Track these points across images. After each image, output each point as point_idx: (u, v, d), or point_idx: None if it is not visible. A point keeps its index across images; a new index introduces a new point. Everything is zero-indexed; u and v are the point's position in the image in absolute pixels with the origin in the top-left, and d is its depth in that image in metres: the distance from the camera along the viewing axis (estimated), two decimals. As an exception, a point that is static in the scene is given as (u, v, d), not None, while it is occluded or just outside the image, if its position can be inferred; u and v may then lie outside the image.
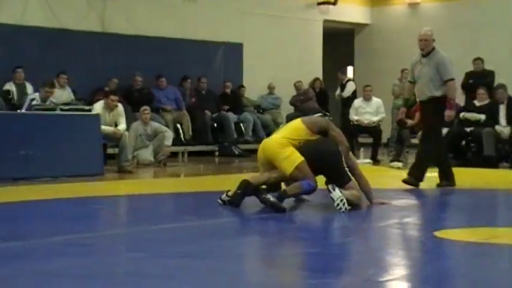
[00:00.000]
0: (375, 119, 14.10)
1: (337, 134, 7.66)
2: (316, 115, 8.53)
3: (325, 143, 7.55)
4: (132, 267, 4.84)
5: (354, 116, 14.27)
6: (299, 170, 7.27)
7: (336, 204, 7.14)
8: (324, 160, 7.41)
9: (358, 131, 14.31)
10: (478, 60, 14.24)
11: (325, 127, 7.63)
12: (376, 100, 14.43)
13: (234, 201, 7.43)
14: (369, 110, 14.21)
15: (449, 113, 9.26)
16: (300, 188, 7.31)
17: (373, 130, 14.12)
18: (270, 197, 7.19)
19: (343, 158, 7.43)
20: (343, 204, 7.16)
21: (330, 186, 7.23)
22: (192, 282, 4.41)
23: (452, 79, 9.32)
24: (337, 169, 7.38)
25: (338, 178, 7.38)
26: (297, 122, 7.68)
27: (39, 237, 5.97)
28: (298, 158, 7.31)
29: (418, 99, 9.76)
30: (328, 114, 13.92)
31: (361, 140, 14.91)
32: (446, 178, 9.49)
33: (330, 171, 7.44)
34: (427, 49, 9.24)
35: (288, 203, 7.43)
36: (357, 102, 14.48)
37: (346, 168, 7.44)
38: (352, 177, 7.49)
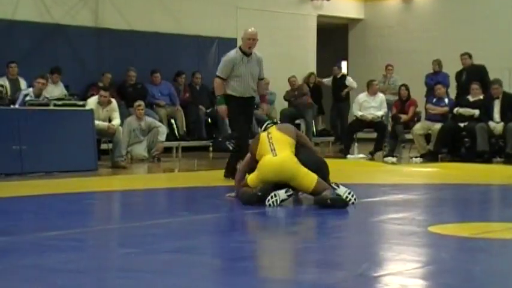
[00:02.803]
0: (379, 113, 14.06)
1: (304, 138, 8.08)
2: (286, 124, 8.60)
3: (312, 153, 7.83)
4: (125, 263, 4.83)
5: (357, 112, 14.09)
6: (320, 184, 7.34)
7: (345, 197, 7.25)
8: (317, 169, 7.49)
9: (361, 126, 14.18)
10: (465, 55, 14.15)
11: (296, 134, 7.82)
12: (380, 95, 14.37)
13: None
14: (374, 105, 14.11)
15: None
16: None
17: (378, 125, 14.04)
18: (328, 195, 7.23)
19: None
20: (352, 195, 7.31)
21: (333, 184, 7.38)
22: (185, 278, 4.40)
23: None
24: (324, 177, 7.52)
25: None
26: (287, 138, 7.65)
27: (32, 232, 5.96)
28: (314, 174, 7.39)
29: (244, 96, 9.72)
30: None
31: (363, 135, 14.79)
32: None
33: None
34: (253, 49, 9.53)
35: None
36: (361, 97, 14.30)
37: None
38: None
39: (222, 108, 9.60)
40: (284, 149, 7.53)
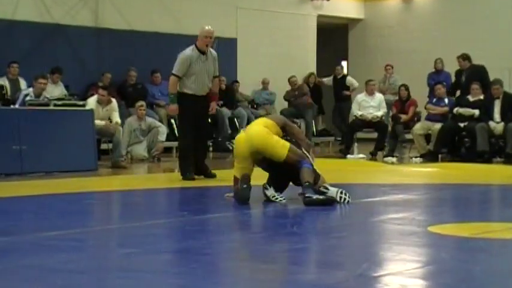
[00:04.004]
0: (379, 113, 14.06)
1: (294, 128, 7.72)
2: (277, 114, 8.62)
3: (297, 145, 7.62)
4: (125, 263, 4.83)
5: (357, 111, 14.10)
6: (293, 153, 7.29)
7: (338, 198, 7.20)
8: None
9: (361, 126, 14.18)
10: (459, 57, 14.05)
11: (284, 123, 7.61)
12: (378, 95, 14.38)
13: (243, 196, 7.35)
14: (373, 104, 14.13)
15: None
16: (310, 171, 7.29)
17: (379, 125, 14.04)
18: (313, 196, 7.14)
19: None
20: (345, 194, 7.25)
21: (322, 188, 7.27)
22: (185, 278, 4.40)
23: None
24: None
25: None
26: (265, 120, 7.63)
27: (32, 232, 5.95)
28: (287, 142, 7.35)
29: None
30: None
31: (363, 135, 14.79)
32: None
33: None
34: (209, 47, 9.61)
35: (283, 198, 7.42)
36: (360, 96, 14.34)
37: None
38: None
39: (174, 107, 9.62)
40: (255, 125, 7.58)
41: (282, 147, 7.27)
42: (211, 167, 10.33)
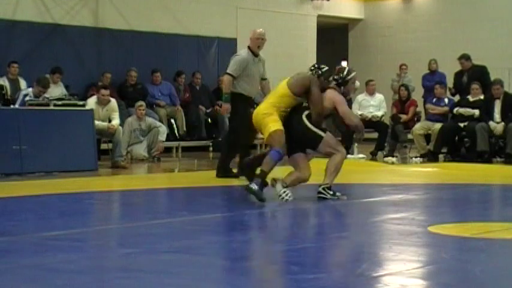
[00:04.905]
0: (379, 113, 14.04)
1: (315, 94, 7.56)
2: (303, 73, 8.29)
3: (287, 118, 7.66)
4: (125, 263, 4.83)
5: (356, 110, 14.09)
6: (271, 138, 7.45)
7: (278, 196, 7.41)
8: (291, 132, 7.52)
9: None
10: (462, 58, 13.97)
11: (307, 85, 7.57)
12: (378, 95, 14.37)
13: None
14: (373, 104, 14.12)
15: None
16: (271, 160, 7.43)
17: (379, 124, 14.03)
18: (253, 186, 7.34)
19: (306, 122, 7.52)
20: (286, 194, 7.41)
21: (272, 181, 7.51)
22: (185, 278, 4.40)
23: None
24: (306, 134, 7.51)
25: (312, 141, 7.54)
26: (283, 88, 7.67)
27: (32, 232, 5.95)
28: (274, 126, 7.46)
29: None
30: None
31: (365, 135, 14.70)
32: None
33: (302, 140, 7.57)
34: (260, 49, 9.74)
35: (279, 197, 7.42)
36: (360, 96, 14.32)
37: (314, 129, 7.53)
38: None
39: (226, 106, 9.76)
40: (268, 100, 7.77)
41: (266, 132, 7.50)
42: (211, 167, 10.33)
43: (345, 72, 7.87)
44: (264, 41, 9.76)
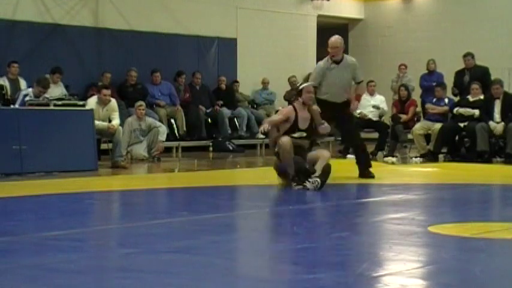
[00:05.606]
0: (379, 113, 14.04)
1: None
2: None
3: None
4: (125, 263, 4.83)
5: (357, 110, 14.09)
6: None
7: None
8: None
9: (362, 126, 14.11)
10: (468, 55, 14.03)
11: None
12: (379, 96, 14.38)
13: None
14: (373, 103, 14.14)
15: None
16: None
17: (379, 125, 14.02)
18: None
19: None
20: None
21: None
22: (185, 277, 4.40)
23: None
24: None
25: None
26: None
27: (32, 232, 5.95)
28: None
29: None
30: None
31: (364, 135, 14.72)
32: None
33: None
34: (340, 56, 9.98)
35: (282, 198, 7.42)
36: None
37: None
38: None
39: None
40: None
41: None
42: (211, 167, 10.35)
43: (298, 84, 8.87)
44: (336, 49, 9.94)
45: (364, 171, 9.88)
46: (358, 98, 10.08)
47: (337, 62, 9.90)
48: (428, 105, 13.66)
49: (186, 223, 6.48)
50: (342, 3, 19.56)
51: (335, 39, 10.05)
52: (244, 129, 16.29)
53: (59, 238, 5.62)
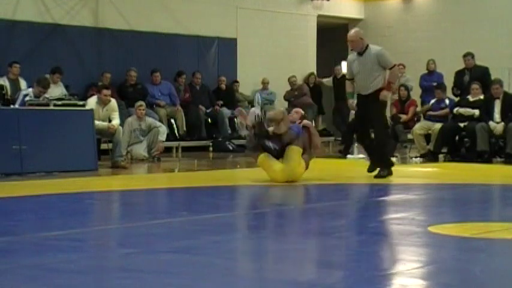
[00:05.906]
0: None
1: None
2: None
3: None
4: (125, 263, 4.83)
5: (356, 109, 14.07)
6: None
7: None
8: None
9: None
10: (468, 55, 14.03)
11: None
12: None
13: None
14: None
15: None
16: None
17: None
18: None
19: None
20: None
21: None
22: (185, 277, 4.40)
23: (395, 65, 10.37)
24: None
25: None
26: None
27: (32, 232, 5.95)
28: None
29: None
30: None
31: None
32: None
33: None
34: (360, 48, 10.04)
35: (282, 198, 7.41)
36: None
37: None
38: None
39: (349, 101, 10.34)
40: None
41: None
42: (211, 167, 10.34)
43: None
44: (352, 43, 10.13)
45: (373, 167, 9.91)
46: (388, 86, 9.99)
47: (360, 54, 9.99)
48: (424, 107, 13.65)
49: (186, 223, 6.48)
50: (342, 3, 19.56)
51: (350, 32, 10.33)
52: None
53: (59, 238, 5.62)
